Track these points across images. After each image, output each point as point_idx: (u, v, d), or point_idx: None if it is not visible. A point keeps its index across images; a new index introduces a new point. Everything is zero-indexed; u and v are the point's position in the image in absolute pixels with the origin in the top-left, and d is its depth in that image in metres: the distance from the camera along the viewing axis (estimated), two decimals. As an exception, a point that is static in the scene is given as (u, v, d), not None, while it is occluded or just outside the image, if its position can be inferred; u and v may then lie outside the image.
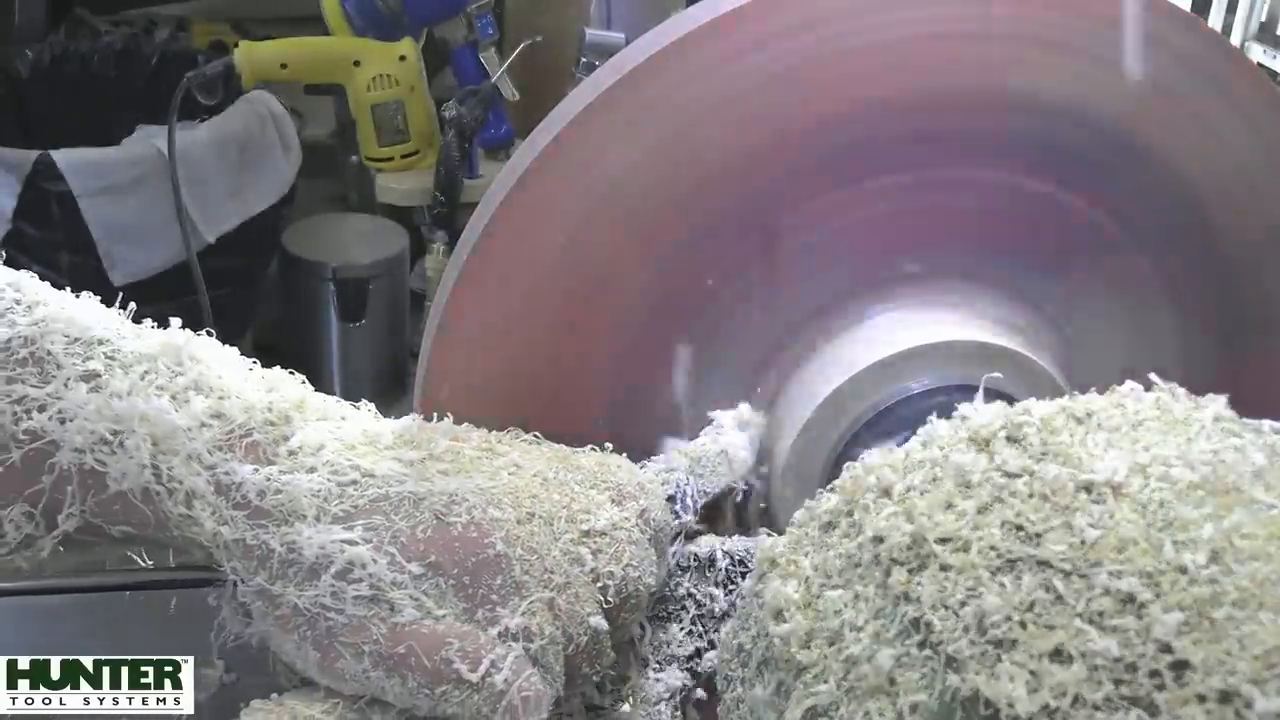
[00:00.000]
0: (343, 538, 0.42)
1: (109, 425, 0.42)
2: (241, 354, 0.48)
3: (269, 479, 0.43)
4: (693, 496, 0.51)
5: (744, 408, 0.56)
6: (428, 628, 0.41)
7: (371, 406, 0.49)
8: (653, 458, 0.54)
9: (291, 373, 0.48)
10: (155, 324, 0.47)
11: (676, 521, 0.51)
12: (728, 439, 0.54)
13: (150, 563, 0.55)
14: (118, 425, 0.42)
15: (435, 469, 0.45)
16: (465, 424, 0.51)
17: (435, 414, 0.52)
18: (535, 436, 0.52)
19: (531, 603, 0.43)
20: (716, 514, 0.55)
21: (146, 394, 0.43)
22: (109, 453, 0.42)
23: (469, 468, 0.46)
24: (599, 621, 0.45)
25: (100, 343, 0.44)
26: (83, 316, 0.44)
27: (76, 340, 0.44)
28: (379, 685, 0.41)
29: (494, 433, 0.51)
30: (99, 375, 0.43)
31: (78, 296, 0.46)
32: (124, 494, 0.42)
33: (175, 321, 0.47)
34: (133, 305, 0.47)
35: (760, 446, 0.56)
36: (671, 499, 0.51)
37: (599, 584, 0.45)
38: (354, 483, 0.44)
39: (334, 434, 0.45)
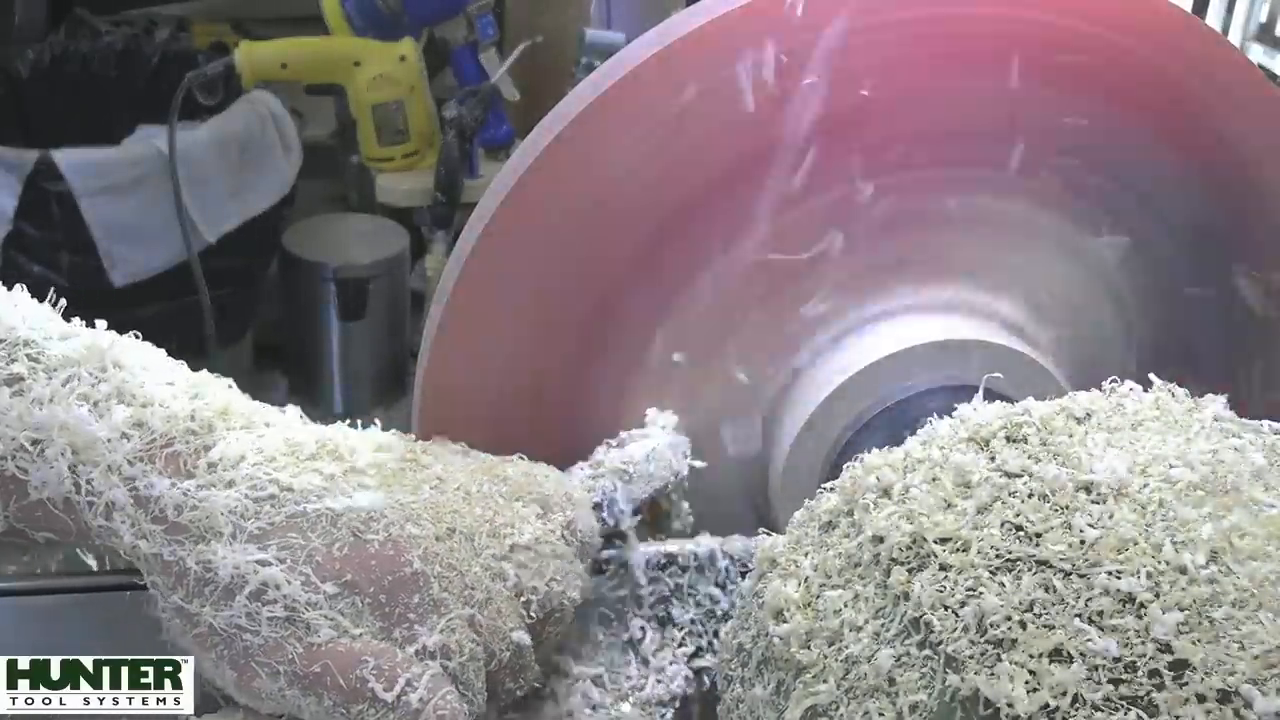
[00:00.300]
0: (257, 558, 0.41)
1: (29, 434, 0.41)
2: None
3: (186, 494, 0.42)
4: (621, 503, 0.51)
5: (656, 412, 0.56)
6: (344, 646, 0.41)
7: (298, 410, 0.48)
8: (580, 464, 0.54)
9: (218, 376, 0.47)
10: (99, 326, 0.46)
11: (604, 530, 0.51)
12: (655, 441, 0.54)
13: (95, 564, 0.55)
14: (38, 434, 0.41)
15: (355, 482, 0.45)
16: (392, 431, 0.50)
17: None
18: (463, 447, 0.51)
19: (450, 620, 0.43)
20: (649, 515, 0.55)
21: (67, 403, 0.42)
22: (29, 461, 0.41)
23: (390, 481, 0.46)
24: (521, 636, 0.45)
25: (26, 344, 0.43)
26: (8, 315, 0.43)
27: (2, 341, 0.43)
28: (295, 704, 0.41)
29: (420, 442, 0.50)
30: (22, 379, 0.42)
31: (10, 289, 0.45)
32: (44, 502, 0.42)
33: (101, 323, 0.46)
34: (63, 302, 0.46)
35: (688, 447, 0.56)
36: (598, 506, 0.51)
37: (522, 599, 0.45)
38: (271, 498, 0.43)
39: (255, 445, 0.45)
